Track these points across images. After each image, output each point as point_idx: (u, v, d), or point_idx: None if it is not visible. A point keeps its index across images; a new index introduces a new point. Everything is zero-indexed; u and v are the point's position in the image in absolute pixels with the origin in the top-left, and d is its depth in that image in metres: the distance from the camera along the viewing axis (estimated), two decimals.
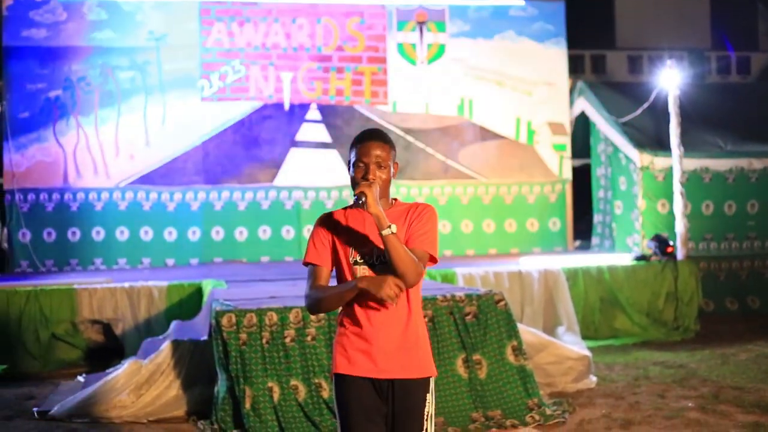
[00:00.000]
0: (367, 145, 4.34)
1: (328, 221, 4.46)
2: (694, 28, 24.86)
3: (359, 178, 4.31)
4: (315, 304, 4.38)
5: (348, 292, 4.25)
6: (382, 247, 4.22)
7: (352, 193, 4.26)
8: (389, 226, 4.13)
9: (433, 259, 4.35)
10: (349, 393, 4.33)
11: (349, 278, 4.34)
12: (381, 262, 4.28)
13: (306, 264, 4.46)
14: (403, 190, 16.82)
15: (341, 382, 4.36)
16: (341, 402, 4.36)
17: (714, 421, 8.17)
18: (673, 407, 8.72)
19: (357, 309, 4.33)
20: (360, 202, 4.16)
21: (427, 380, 4.39)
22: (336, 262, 4.42)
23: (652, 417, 8.38)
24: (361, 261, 4.33)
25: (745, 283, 15.31)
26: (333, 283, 4.44)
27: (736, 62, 26.31)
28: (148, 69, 16.36)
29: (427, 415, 4.38)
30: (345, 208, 4.49)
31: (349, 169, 4.42)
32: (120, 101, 16.21)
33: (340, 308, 4.43)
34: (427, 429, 4.37)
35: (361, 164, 4.32)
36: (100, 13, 16.28)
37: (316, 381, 7.95)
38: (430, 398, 4.40)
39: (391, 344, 4.30)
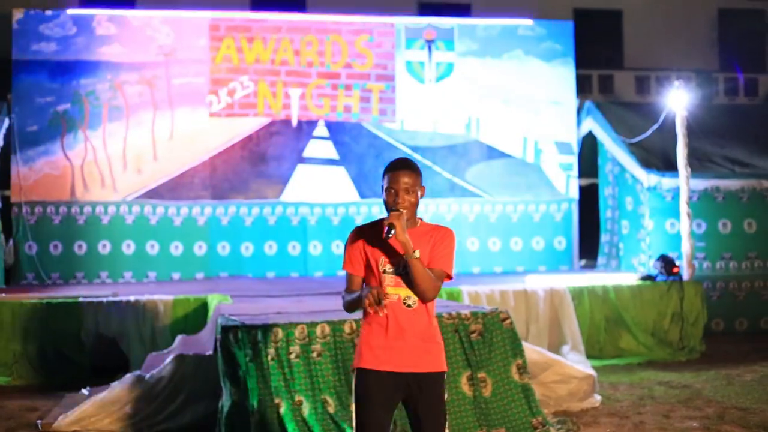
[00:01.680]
0: (397, 174, 4.96)
1: (361, 233, 5.10)
2: (702, 50, 24.85)
3: (391, 203, 4.94)
4: (344, 305, 5.15)
5: (358, 300, 4.93)
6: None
7: (386, 211, 4.96)
8: (414, 251, 4.81)
9: (448, 277, 5.02)
10: (373, 386, 4.93)
11: (375, 284, 4.98)
12: (406, 272, 4.87)
13: (344, 270, 5.17)
14: None
15: (364, 375, 4.97)
16: (363, 394, 4.96)
17: None
18: (678, 427, 8.70)
19: (395, 312, 4.96)
20: (391, 231, 4.76)
21: (443, 374, 5.05)
22: (367, 268, 5.06)
23: None
24: (390, 270, 4.97)
25: (760, 303, 15.27)
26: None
27: (744, 84, 26.24)
28: (157, 83, 16.41)
29: (445, 401, 5.07)
30: (377, 222, 5.07)
31: (382, 193, 5.03)
32: (128, 115, 16.26)
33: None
34: (446, 412, 5.06)
35: (392, 190, 4.95)
36: (110, 27, 16.35)
37: (322, 397, 7.93)
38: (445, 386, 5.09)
39: (415, 341, 4.94)
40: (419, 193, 5.00)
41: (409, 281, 4.87)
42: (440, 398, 5.00)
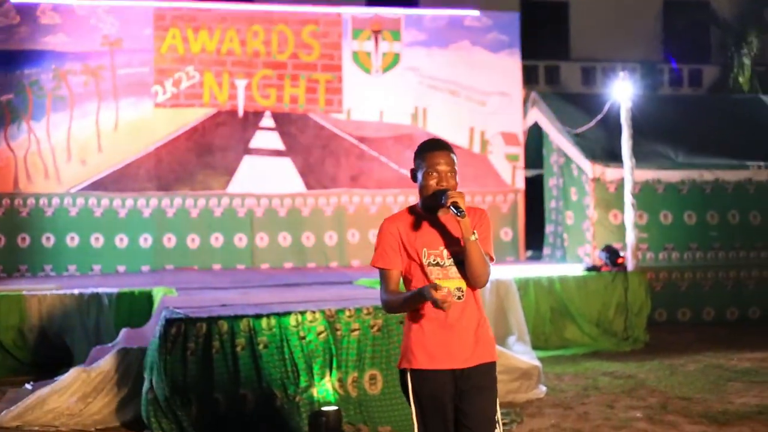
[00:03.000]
0: (438, 155, 4.65)
1: (395, 224, 4.71)
2: (647, 41, 25.02)
3: (434, 185, 4.61)
4: (391, 308, 4.76)
5: (414, 300, 4.56)
6: (451, 248, 4.61)
7: (420, 199, 4.67)
8: (473, 233, 4.50)
9: (491, 260, 4.68)
10: (432, 386, 4.62)
11: (422, 278, 4.64)
12: (453, 263, 4.61)
13: (377, 267, 4.76)
14: (356, 198, 16.84)
15: (420, 376, 4.65)
16: (422, 396, 4.65)
17: (662, 431, 8.24)
18: (622, 417, 8.77)
19: (428, 305, 4.55)
20: (460, 210, 4.43)
21: (494, 363, 4.75)
22: (407, 263, 4.70)
23: (601, 427, 8.43)
24: (434, 263, 4.63)
25: (701, 293, 15.42)
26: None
27: (689, 75, 26.46)
28: (102, 74, 16.26)
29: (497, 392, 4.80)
30: (405, 211, 4.76)
31: (413, 176, 4.74)
32: (73, 106, 16.09)
33: None
34: (498, 410, 4.77)
35: (435, 173, 4.62)
36: (54, 17, 16.16)
37: (268, 390, 7.92)
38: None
39: (467, 335, 4.63)
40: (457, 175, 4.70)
41: (458, 271, 4.58)
42: (492, 390, 4.72)
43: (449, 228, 4.65)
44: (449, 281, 4.58)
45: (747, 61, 23.82)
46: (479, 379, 4.64)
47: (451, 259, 4.61)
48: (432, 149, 4.67)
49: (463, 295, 4.62)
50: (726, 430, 8.24)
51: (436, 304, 4.39)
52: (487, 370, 4.69)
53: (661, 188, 15.44)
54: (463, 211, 4.42)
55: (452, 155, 4.67)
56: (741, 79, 23.69)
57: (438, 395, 4.61)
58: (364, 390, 8.25)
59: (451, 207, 4.44)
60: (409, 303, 4.61)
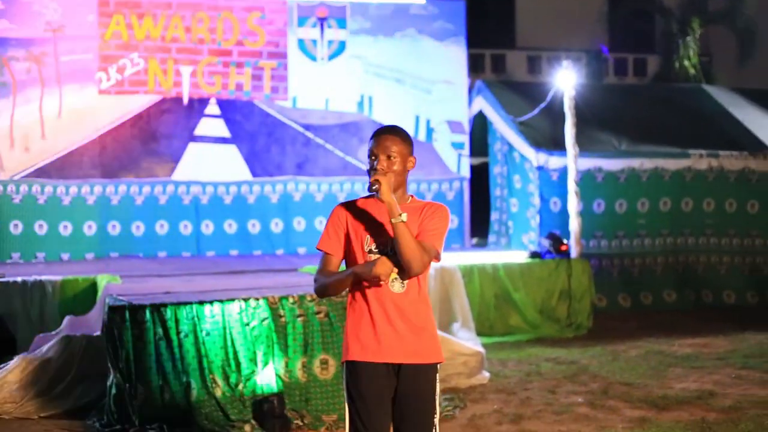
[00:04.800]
0: (379, 138, 4.61)
1: (343, 211, 4.69)
2: (593, 30, 25.21)
3: (372, 169, 4.55)
4: (321, 288, 4.68)
5: (347, 278, 4.56)
6: (384, 237, 4.55)
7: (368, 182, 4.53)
8: (400, 215, 4.39)
9: (437, 255, 4.57)
10: (363, 379, 4.56)
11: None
12: (395, 252, 4.47)
13: (319, 249, 4.73)
14: (302, 186, 16.84)
15: (353, 368, 4.59)
16: (353, 388, 4.59)
17: (602, 416, 8.36)
18: (563, 402, 8.89)
19: (368, 295, 4.56)
20: (374, 188, 4.43)
21: (435, 366, 4.64)
22: (348, 250, 4.67)
23: (542, 412, 8.54)
24: (376, 250, 4.58)
25: (638, 279, 15.63)
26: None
27: (633, 64, 26.75)
28: (45, 60, 16.09)
29: (437, 395, 4.66)
30: (363, 198, 4.73)
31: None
32: (15, 92, 15.93)
33: (349, 295, 4.68)
34: (436, 407, 4.66)
35: (374, 157, 4.58)
36: None
37: (211, 377, 7.94)
38: (437, 379, 4.67)
39: (406, 331, 4.54)
40: (407, 164, 4.65)
41: (397, 261, 4.45)
42: (428, 390, 4.61)
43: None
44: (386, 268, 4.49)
45: (693, 45, 23.98)
46: (417, 383, 4.56)
47: (393, 249, 4.49)
48: (376, 134, 4.64)
49: (402, 287, 4.54)
50: (665, 414, 8.37)
51: (370, 280, 4.45)
52: (426, 371, 4.60)
53: (601, 177, 15.57)
54: (377, 189, 4.42)
55: (395, 138, 4.62)
56: (687, 64, 23.85)
57: (371, 389, 4.55)
58: (314, 375, 8.25)
59: (369, 186, 4.47)
60: (340, 282, 4.61)
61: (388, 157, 4.56)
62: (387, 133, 4.63)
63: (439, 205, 4.67)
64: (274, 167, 16.93)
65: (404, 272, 4.51)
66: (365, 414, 4.53)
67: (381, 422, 4.55)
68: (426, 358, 4.58)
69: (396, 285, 4.55)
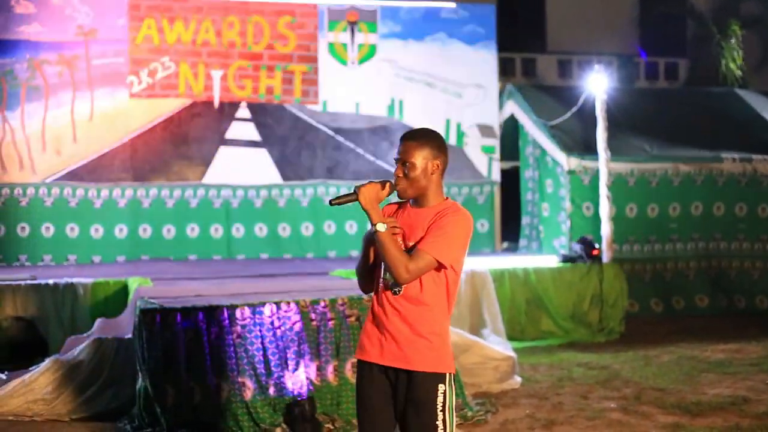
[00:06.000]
0: (400, 144, 4.58)
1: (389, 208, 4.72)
2: (624, 34, 25.12)
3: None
4: (356, 268, 4.80)
5: (363, 247, 4.68)
6: (407, 241, 4.51)
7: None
8: (376, 225, 4.37)
9: (440, 265, 4.41)
10: (362, 379, 4.59)
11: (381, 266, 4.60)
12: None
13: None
14: (332, 189, 16.84)
15: (358, 367, 4.62)
16: (357, 387, 4.62)
17: (635, 421, 8.29)
18: (596, 408, 8.83)
19: (382, 297, 4.54)
20: (353, 194, 4.46)
21: (434, 375, 4.42)
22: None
23: (575, 417, 8.47)
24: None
25: (670, 284, 15.52)
26: None
27: (665, 68, 26.59)
28: (77, 64, 16.17)
29: (444, 408, 4.42)
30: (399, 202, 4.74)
31: None
32: (47, 96, 16.01)
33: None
34: (445, 421, 4.42)
35: (394, 160, 4.58)
36: (29, 6, 16.06)
37: (240, 380, 7.92)
38: (448, 391, 4.45)
39: (402, 336, 4.44)
40: (428, 168, 4.52)
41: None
42: (428, 404, 4.40)
43: (414, 221, 4.54)
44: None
45: (737, 48, 23.71)
46: (412, 391, 4.41)
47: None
48: (400, 139, 4.61)
49: (400, 290, 4.44)
50: (699, 420, 8.29)
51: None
52: (422, 379, 4.40)
53: (633, 181, 15.48)
54: (355, 197, 4.45)
55: (413, 143, 4.52)
56: (732, 66, 23.58)
57: (369, 389, 4.53)
58: (346, 379, 8.23)
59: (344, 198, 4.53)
60: (361, 257, 4.70)
61: (404, 163, 4.50)
62: (405, 139, 4.57)
63: (454, 211, 4.49)
64: (304, 171, 16.94)
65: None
66: (363, 414, 4.58)
67: (379, 424, 4.53)
68: (419, 365, 4.41)
69: (396, 287, 4.49)
